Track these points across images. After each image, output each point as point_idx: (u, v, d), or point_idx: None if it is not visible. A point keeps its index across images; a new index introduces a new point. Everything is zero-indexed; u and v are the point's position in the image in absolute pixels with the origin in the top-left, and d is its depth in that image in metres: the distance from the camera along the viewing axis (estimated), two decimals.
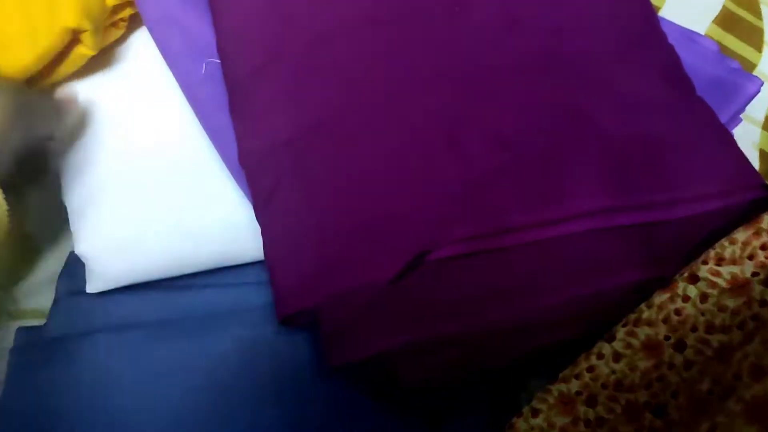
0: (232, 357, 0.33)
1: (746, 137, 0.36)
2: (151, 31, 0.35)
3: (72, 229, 0.35)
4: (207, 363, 0.33)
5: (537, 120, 0.31)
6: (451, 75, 0.32)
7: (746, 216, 0.30)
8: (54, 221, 0.40)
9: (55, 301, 0.37)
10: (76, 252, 0.34)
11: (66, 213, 0.37)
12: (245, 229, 0.34)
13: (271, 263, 0.30)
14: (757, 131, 0.39)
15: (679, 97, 0.33)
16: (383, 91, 0.32)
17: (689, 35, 0.39)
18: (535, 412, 0.28)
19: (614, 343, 0.29)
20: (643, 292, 0.30)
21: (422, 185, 0.30)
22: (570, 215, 0.30)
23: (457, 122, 0.31)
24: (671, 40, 0.36)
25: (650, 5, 0.36)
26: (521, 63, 0.33)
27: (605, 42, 0.34)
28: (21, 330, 0.36)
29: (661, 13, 0.42)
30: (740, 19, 0.41)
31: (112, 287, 0.35)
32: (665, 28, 0.37)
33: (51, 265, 0.39)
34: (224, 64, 0.33)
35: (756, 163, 0.38)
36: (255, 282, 0.36)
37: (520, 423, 0.28)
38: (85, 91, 0.36)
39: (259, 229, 0.32)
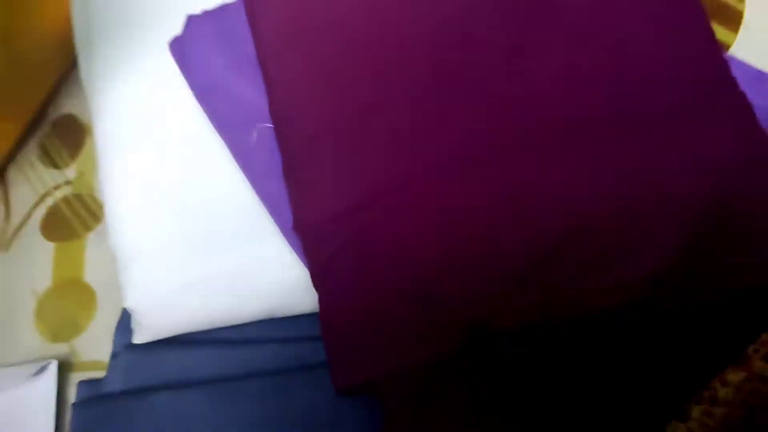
0: (294, 419, 0.33)
1: None
2: (198, 99, 0.35)
3: (120, 281, 0.35)
4: (266, 424, 0.33)
5: (606, 186, 0.30)
6: (514, 139, 0.31)
7: None
8: (109, 271, 0.41)
9: (113, 355, 0.37)
10: (125, 305, 0.34)
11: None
12: (296, 288, 0.34)
13: (327, 335, 0.30)
14: None
15: (753, 153, 0.32)
16: (442, 158, 0.31)
17: (759, 77, 0.36)
18: None
19: (689, 423, 0.28)
20: None
21: (485, 259, 0.29)
22: (642, 281, 0.29)
23: (522, 192, 0.30)
24: (740, 80, 0.34)
25: (719, 50, 0.34)
26: (589, 121, 0.31)
27: (674, 96, 0.32)
28: (82, 384, 0.37)
29: (732, 50, 0.40)
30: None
31: (159, 338, 0.35)
32: (734, 68, 0.35)
33: (108, 315, 0.40)
34: (278, 131, 0.33)
35: None
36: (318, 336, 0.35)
37: None
38: (136, 137, 0.36)
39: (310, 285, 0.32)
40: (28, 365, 0.37)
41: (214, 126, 0.35)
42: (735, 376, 0.27)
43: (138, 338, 0.35)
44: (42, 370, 0.37)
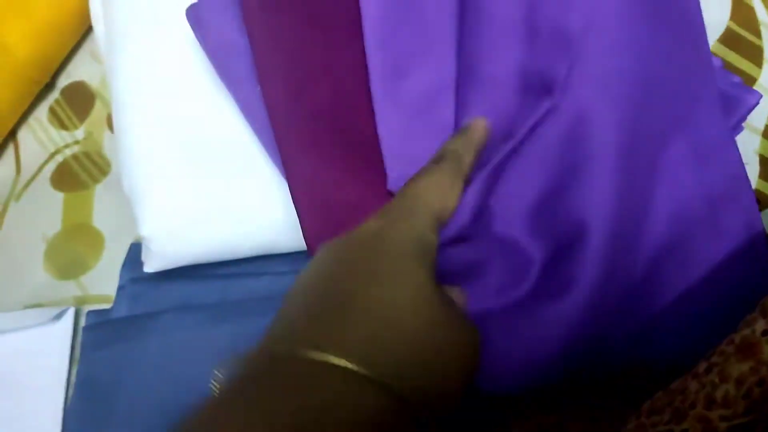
0: None
1: (748, 144, 0.39)
2: (209, 56, 0.39)
3: (135, 213, 0.38)
4: None
5: None
6: None
7: None
8: (116, 217, 0.44)
9: (120, 287, 0.41)
10: (139, 233, 0.38)
11: (124, 212, 0.42)
12: (289, 225, 0.38)
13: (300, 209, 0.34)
14: (758, 139, 0.43)
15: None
16: None
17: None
18: None
19: None
20: None
21: None
22: None
23: None
24: None
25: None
26: None
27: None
28: (91, 312, 0.40)
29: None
30: (742, 38, 0.45)
31: (168, 267, 0.39)
32: None
33: (114, 255, 0.43)
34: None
35: (756, 167, 0.41)
36: None
37: None
38: (145, 87, 0.40)
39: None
40: (48, 309, 0.41)
41: (223, 81, 0.39)
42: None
43: (149, 267, 0.39)
44: (60, 315, 0.41)
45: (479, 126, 0.33)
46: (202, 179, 0.38)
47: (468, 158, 0.31)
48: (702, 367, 0.26)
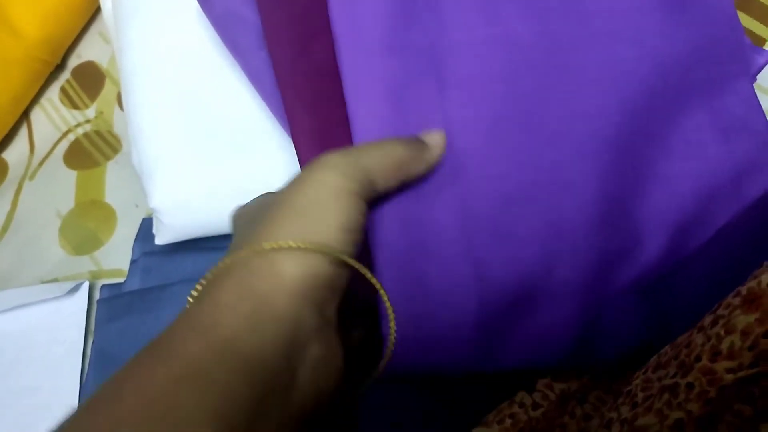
0: None
1: None
2: (214, 25, 0.39)
3: (145, 187, 0.39)
4: None
5: None
6: None
7: None
8: (127, 193, 0.45)
9: (133, 261, 0.41)
10: (149, 205, 0.38)
11: (135, 188, 0.42)
12: None
13: None
14: (767, 99, 0.42)
15: None
16: None
17: None
18: None
19: (533, 394, 0.31)
20: None
21: None
22: None
23: None
24: None
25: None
26: None
27: None
28: (105, 286, 0.41)
29: None
30: (753, 0, 0.45)
31: (178, 240, 0.39)
32: None
33: (126, 231, 0.44)
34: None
35: None
36: None
37: None
38: (153, 63, 0.41)
39: None
40: (63, 284, 0.41)
41: (229, 49, 0.39)
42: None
43: (160, 239, 0.39)
44: (75, 288, 0.41)
45: (438, 141, 0.29)
46: (211, 153, 0.39)
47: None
48: (708, 320, 0.26)
